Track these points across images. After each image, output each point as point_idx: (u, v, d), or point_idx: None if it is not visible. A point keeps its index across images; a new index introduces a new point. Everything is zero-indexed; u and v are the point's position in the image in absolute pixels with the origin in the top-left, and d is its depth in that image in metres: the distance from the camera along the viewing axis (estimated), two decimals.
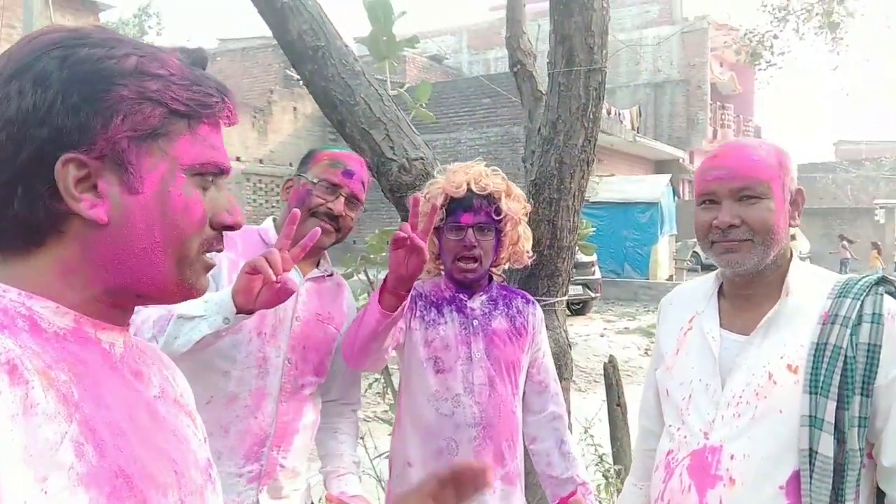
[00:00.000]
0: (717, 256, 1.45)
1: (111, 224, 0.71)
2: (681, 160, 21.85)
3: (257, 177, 16.16)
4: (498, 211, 1.86)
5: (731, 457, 1.38)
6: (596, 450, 3.73)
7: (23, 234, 0.70)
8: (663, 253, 16.57)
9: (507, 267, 2.07)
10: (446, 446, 1.85)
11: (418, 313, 1.91)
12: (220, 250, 0.81)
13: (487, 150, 15.87)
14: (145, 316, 1.54)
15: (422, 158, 2.46)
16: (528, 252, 1.99)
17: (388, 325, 1.64)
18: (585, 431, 3.73)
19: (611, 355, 4.09)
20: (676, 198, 18.22)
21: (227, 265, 1.78)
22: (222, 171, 0.80)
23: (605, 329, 11.12)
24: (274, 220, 1.94)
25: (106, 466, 0.64)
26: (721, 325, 1.50)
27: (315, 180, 1.81)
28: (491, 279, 2.01)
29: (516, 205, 1.91)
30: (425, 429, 1.87)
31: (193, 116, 0.76)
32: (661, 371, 1.60)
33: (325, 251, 1.94)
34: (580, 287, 12.30)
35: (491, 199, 1.86)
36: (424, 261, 1.59)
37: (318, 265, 1.93)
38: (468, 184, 1.84)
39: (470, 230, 1.84)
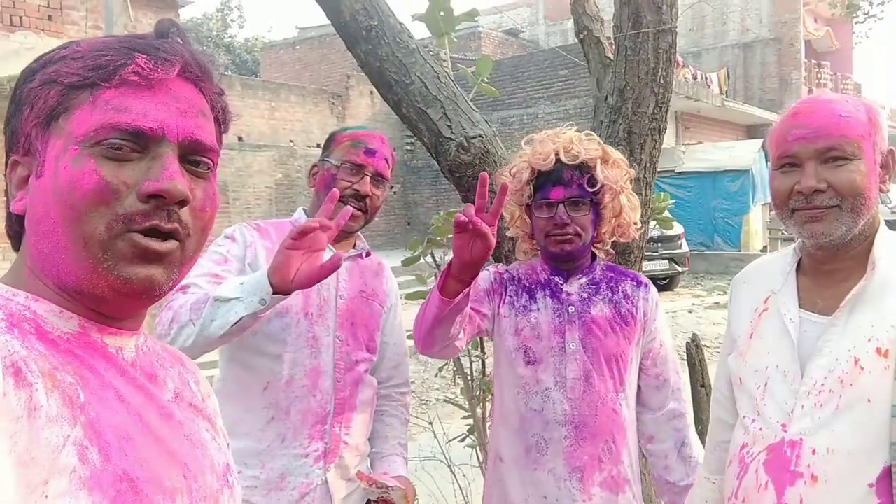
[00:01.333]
0: (799, 226, 1.30)
1: (27, 214, 0.71)
2: (774, 124, 20.75)
3: None
4: (592, 181, 1.66)
5: (813, 451, 1.24)
6: None
7: (13, 239, 0.75)
8: (756, 222, 15.82)
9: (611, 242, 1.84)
10: (535, 444, 1.70)
11: (508, 299, 1.76)
12: (154, 228, 0.70)
13: (566, 123, 15.52)
14: (183, 301, 1.53)
15: (481, 136, 2.37)
16: (635, 223, 1.77)
17: (452, 311, 1.51)
18: None
19: (694, 333, 3.90)
20: (769, 164, 17.34)
21: (263, 254, 1.77)
22: (140, 133, 0.70)
23: (693, 305, 10.72)
24: (304, 210, 1.92)
25: (110, 470, 0.62)
26: (800, 306, 1.35)
27: (338, 163, 1.80)
28: (594, 258, 1.81)
29: (616, 171, 1.70)
30: (515, 423, 1.74)
31: (92, 85, 0.70)
32: (733, 357, 1.46)
33: (359, 232, 1.92)
34: (666, 261, 11.91)
35: (584, 169, 1.66)
36: (490, 247, 1.42)
37: (354, 247, 1.91)
38: (556, 154, 1.66)
39: (561, 206, 1.66)
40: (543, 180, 1.68)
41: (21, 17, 6.66)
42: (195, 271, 1.64)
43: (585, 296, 1.75)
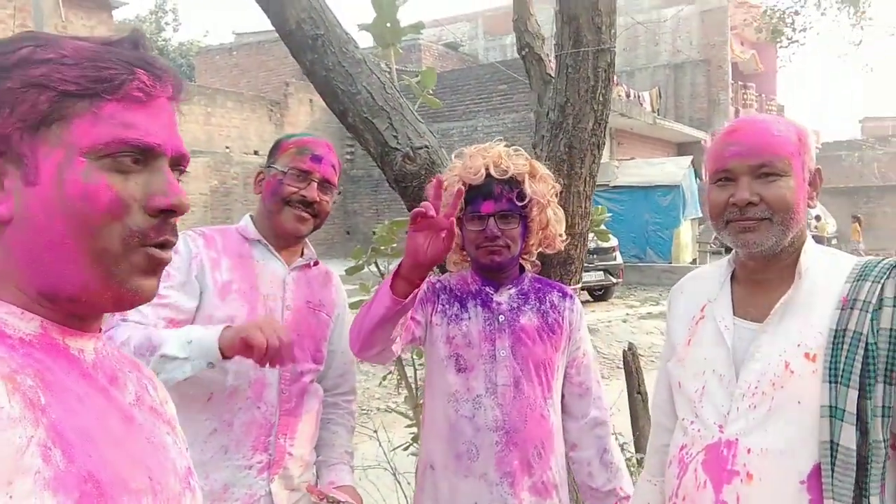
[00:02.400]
0: (732, 236, 1.38)
1: (15, 220, 0.69)
2: (703, 142, 21.50)
3: None
4: (521, 195, 1.72)
5: (748, 451, 1.31)
6: (617, 438, 3.66)
7: None
8: (686, 236, 16.36)
9: (537, 253, 1.89)
10: (466, 450, 1.72)
11: (440, 308, 1.79)
12: (166, 242, 0.73)
13: (504, 137, 15.44)
14: (125, 337, 1.52)
15: (426, 147, 2.40)
16: (560, 236, 1.83)
17: (398, 312, 1.53)
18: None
19: (630, 342, 4.02)
20: (699, 180, 17.95)
21: (209, 264, 1.76)
22: (145, 150, 0.72)
23: (627, 314, 11.00)
24: (251, 217, 1.90)
25: (74, 471, 0.62)
26: (735, 313, 1.43)
27: (285, 170, 1.80)
28: (522, 270, 1.87)
29: (543, 186, 1.76)
30: (446, 431, 1.76)
31: (93, 95, 0.70)
32: (672, 363, 1.53)
33: (307, 240, 1.93)
34: (601, 273, 12.18)
35: (513, 183, 1.72)
36: (449, 246, 1.46)
37: (302, 255, 1.91)
38: (487, 168, 1.71)
39: (491, 219, 1.71)
40: (474, 194, 1.72)
41: None
42: None
43: (515, 305, 1.79)
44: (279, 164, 1.81)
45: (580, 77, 2.59)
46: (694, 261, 16.54)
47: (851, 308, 1.26)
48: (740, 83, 25.92)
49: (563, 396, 1.86)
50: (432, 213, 1.43)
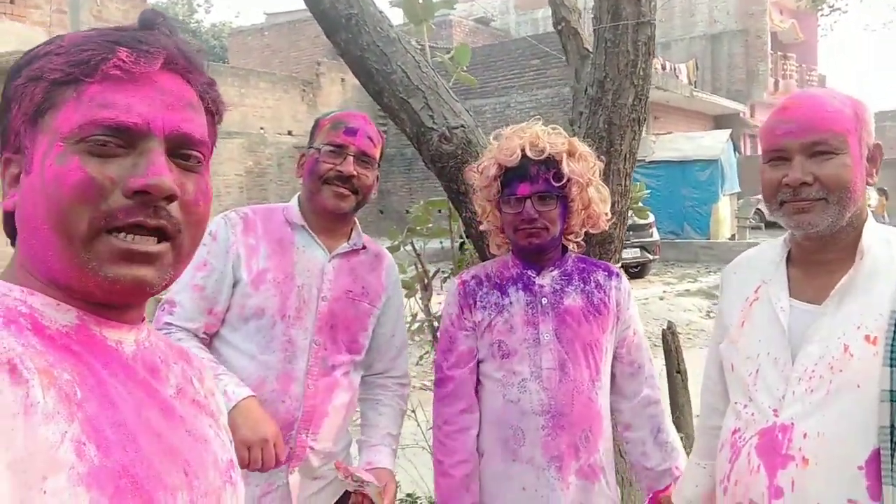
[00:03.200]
0: (787, 217, 1.33)
1: (17, 211, 0.71)
2: (741, 114, 21.04)
3: None
4: (559, 175, 1.67)
5: (804, 435, 1.27)
6: None
7: (11, 237, 0.73)
8: (725, 211, 16.06)
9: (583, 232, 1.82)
10: (512, 435, 1.71)
11: (479, 303, 1.76)
12: (138, 224, 0.68)
13: (538, 113, 15.31)
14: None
15: (462, 126, 2.37)
16: (606, 214, 1.79)
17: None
18: None
19: (669, 321, 3.96)
20: (737, 153, 17.59)
21: (244, 252, 1.74)
22: (124, 129, 0.69)
23: (664, 292, 10.86)
24: (298, 198, 1.86)
25: (109, 466, 0.62)
26: (790, 295, 1.38)
27: (320, 147, 1.76)
28: (565, 251, 1.82)
29: (582, 164, 1.70)
30: (491, 416, 1.74)
31: (76, 80, 0.69)
32: (725, 345, 1.49)
33: (356, 221, 1.89)
34: (637, 250, 12.03)
35: (550, 163, 1.67)
36: None
37: (349, 238, 1.86)
38: (522, 149, 1.66)
39: (528, 201, 1.67)
40: (510, 176, 1.69)
41: None
42: (183, 277, 1.57)
43: (558, 287, 1.76)
44: (317, 142, 1.78)
45: (619, 51, 2.52)
46: (732, 236, 16.25)
47: None
48: (780, 53, 25.20)
49: (613, 377, 1.83)
50: None
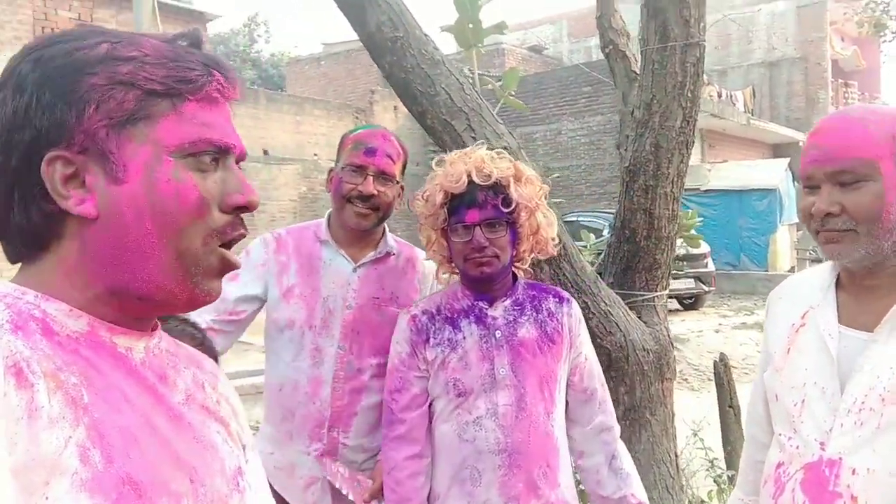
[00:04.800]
0: (821, 247, 1.28)
1: (101, 218, 0.69)
2: (800, 143, 20.45)
3: None
4: (507, 201, 1.61)
5: (853, 471, 1.19)
6: (707, 454, 3.49)
7: (28, 240, 0.71)
8: (783, 242, 15.59)
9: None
10: (469, 476, 1.64)
11: (432, 340, 1.69)
12: (240, 236, 0.75)
13: (589, 140, 15.48)
14: None
15: (506, 148, 2.35)
16: (553, 239, 1.74)
17: None
18: (694, 435, 3.50)
19: (721, 353, 3.84)
20: (796, 183, 17.09)
21: (276, 269, 1.91)
22: (224, 150, 0.73)
23: (719, 324, 10.55)
24: (328, 216, 1.99)
25: (113, 473, 0.62)
26: (840, 321, 1.30)
27: (343, 166, 1.87)
28: (515, 279, 1.77)
29: (529, 188, 1.65)
30: (448, 456, 1.68)
31: (175, 95, 0.71)
32: (769, 373, 1.41)
33: (385, 229, 1.98)
34: (692, 280, 11.74)
35: (497, 189, 1.61)
36: None
37: (376, 247, 1.95)
38: (468, 175, 1.61)
39: (477, 229, 1.60)
40: (457, 203, 1.63)
41: (52, 31, 6.80)
42: None
43: (511, 318, 1.70)
44: (340, 161, 1.90)
45: (667, 73, 2.49)
46: (792, 269, 15.74)
47: None
48: (841, 81, 24.56)
49: (566, 404, 1.77)
50: None
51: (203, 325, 1.79)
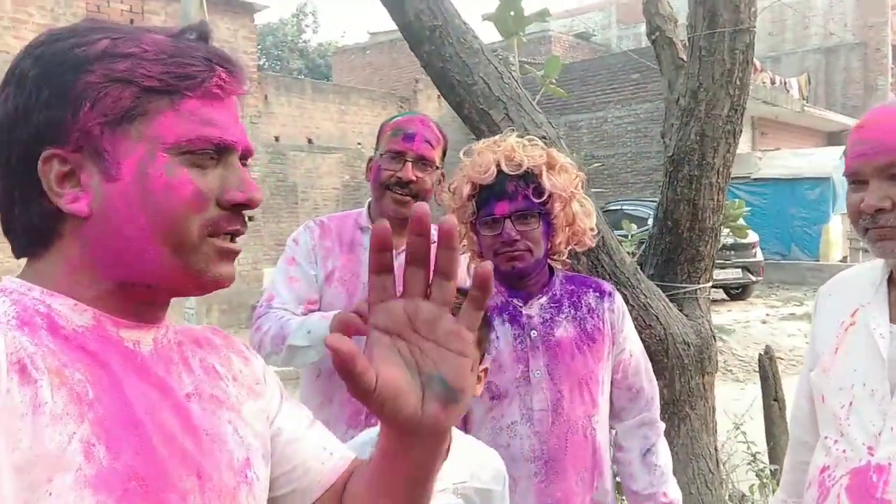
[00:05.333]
0: (871, 244, 1.23)
1: (95, 215, 0.69)
2: None
3: None
4: (539, 191, 1.51)
5: None
6: (749, 447, 3.42)
7: (32, 238, 0.71)
8: (836, 232, 15.13)
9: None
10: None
11: None
12: (236, 232, 0.74)
13: (636, 128, 15.21)
14: (266, 328, 1.75)
15: (544, 138, 2.31)
16: (591, 230, 1.62)
17: None
18: (736, 428, 3.43)
19: (766, 345, 3.75)
20: None
21: (321, 254, 1.91)
22: (224, 147, 0.72)
23: (767, 315, 10.31)
24: (369, 203, 1.99)
25: (119, 469, 0.61)
26: (891, 320, 1.25)
27: (381, 153, 1.86)
28: (552, 272, 1.66)
29: (564, 177, 1.54)
30: None
31: (174, 92, 0.70)
32: (816, 373, 1.36)
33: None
34: (739, 270, 11.49)
35: (529, 178, 1.51)
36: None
37: None
38: (497, 164, 1.51)
39: (507, 221, 1.50)
40: (486, 195, 1.53)
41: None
42: (276, 277, 1.90)
43: (547, 317, 1.60)
44: (380, 148, 1.88)
45: (715, 60, 2.42)
46: (844, 258, 15.28)
47: None
48: None
49: (611, 402, 1.68)
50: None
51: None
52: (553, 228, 1.58)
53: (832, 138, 19.26)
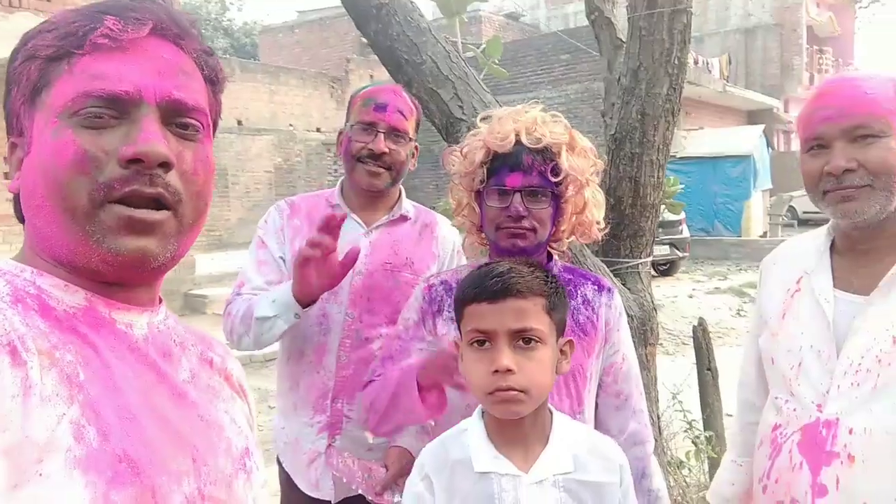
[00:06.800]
0: (831, 207, 1.29)
1: (21, 193, 0.71)
2: (775, 109, 20.63)
3: None
4: (556, 170, 1.42)
5: (850, 431, 1.23)
6: (685, 416, 3.58)
7: (21, 220, 0.73)
8: (757, 208, 15.79)
9: (571, 240, 1.59)
10: None
11: (446, 313, 1.50)
12: (134, 193, 0.67)
13: (567, 108, 15.41)
14: (235, 311, 1.72)
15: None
16: (598, 223, 1.53)
17: None
18: (674, 397, 3.57)
19: (700, 318, 3.89)
20: (771, 149, 17.27)
21: (290, 233, 1.85)
22: (117, 99, 0.67)
23: (693, 290, 10.70)
24: (342, 182, 1.93)
25: (108, 450, 0.61)
26: (835, 285, 1.33)
27: (352, 125, 1.80)
28: (550, 258, 1.57)
29: (582, 161, 1.46)
30: None
31: (68, 54, 0.68)
32: (764, 338, 1.44)
33: (401, 191, 1.91)
34: (667, 247, 11.87)
35: (547, 155, 1.42)
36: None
37: (391, 210, 1.88)
38: (517, 134, 1.42)
39: (517, 195, 1.41)
40: (500, 164, 1.44)
41: None
42: (247, 262, 1.85)
43: None
44: (350, 120, 1.82)
45: (654, 40, 2.48)
46: (764, 234, 15.98)
47: None
48: (815, 47, 24.69)
49: (596, 407, 1.56)
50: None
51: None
52: (561, 212, 1.49)
53: (752, 117, 20.01)
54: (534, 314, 1.14)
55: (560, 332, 1.21)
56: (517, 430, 1.17)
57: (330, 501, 1.83)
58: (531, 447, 1.17)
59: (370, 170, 1.77)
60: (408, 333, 1.56)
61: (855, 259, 1.33)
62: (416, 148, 1.87)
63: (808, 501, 1.25)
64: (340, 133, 1.87)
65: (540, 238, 1.46)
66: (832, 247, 1.38)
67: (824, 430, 1.26)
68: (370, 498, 1.74)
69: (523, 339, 1.13)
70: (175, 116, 0.71)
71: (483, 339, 1.15)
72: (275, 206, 1.92)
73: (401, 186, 1.91)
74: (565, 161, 1.44)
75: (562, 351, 1.21)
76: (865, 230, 1.29)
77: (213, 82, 0.77)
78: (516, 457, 1.16)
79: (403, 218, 1.88)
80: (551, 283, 1.19)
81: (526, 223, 1.43)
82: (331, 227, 1.52)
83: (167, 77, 0.70)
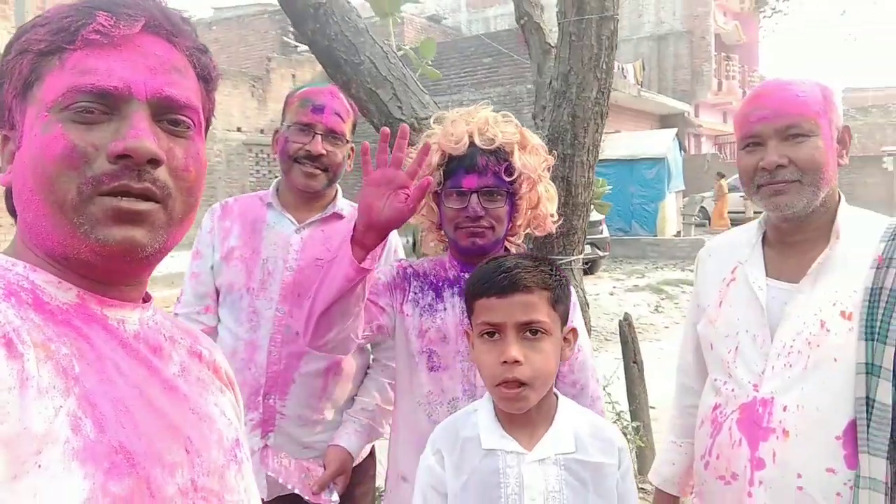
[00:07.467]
0: (764, 200, 1.40)
1: (12, 185, 0.71)
2: (686, 114, 21.55)
3: (259, 147, 15.98)
4: (510, 169, 1.48)
5: (784, 408, 1.33)
6: (613, 407, 3.71)
7: (13, 214, 0.74)
8: (671, 209, 16.44)
9: (526, 233, 1.66)
10: None
11: (412, 296, 1.55)
12: (123, 189, 0.67)
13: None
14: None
15: (431, 117, 2.37)
16: (552, 216, 1.59)
17: (359, 283, 1.38)
18: (603, 389, 3.69)
19: (626, 313, 4.05)
20: (683, 152, 18.01)
21: (220, 235, 1.85)
22: (107, 94, 0.68)
23: (614, 287, 11.07)
24: (277, 181, 1.93)
25: (105, 442, 0.61)
26: (767, 274, 1.44)
27: (289, 125, 1.80)
28: (507, 253, 1.59)
29: (534, 159, 1.51)
30: (418, 438, 1.46)
31: (59, 49, 0.69)
32: (703, 325, 1.54)
33: (337, 190, 1.92)
34: (588, 246, 12.20)
35: (500, 155, 1.48)
36: (412, 210, 1.36)
37: (324, 209, 1.89)
38: (471, 136, 1.47)
39: (474, 196, 1.46)
40: (455, 166, 1.48)
41: None
42: (186, 272, 1.86)
43: None
44: (286, 120, 1.82)
45: (584, 45, 2.57)
46: (678, 233, 16.64)
47: (887, 267, 1.27)
48: (723, 54, 25.93)
49: None
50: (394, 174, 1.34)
51: (199, 313, 1.83)
52: (517, 209, 1.55)
53: (665, 121, 20.82)
54: (540, 307, 1.22)
55: (564, 321, 1.29)
56: (524, 412, 1.24)
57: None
58: (536, 428, 1.25)
59: (307, 171, 1.77)
60: (375, 287, 1.56)
61: (784, 250, 1.43)
62: (351, 149, 1.88)
63: (748, 475, 1.34)
64: (276, 133, 1.87)
65: (497, 235, 1.52)
66: (764, 239, 1.49)
67: (761, 408, 1.36)
68: (307, 497, 1.77)
69: (530, 330, 1.21)
70: (166, 113, 0.71)
71: (493, 331, 1.23)
72: (209, 210, 1.92)
73: (337, 186, 1.92)
74: (518, 160, 1.49)
75: (565, 339, 1.29)
76: (794, 222, 1.40)
77: (207, 80, 0.78)
78: (522, 437, 1.24)
79: (338, 216, 1.89)
80: (555, 276, 1.28)
81: (484, 222, 1.49)
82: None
83: (158, 73, 0.70)
